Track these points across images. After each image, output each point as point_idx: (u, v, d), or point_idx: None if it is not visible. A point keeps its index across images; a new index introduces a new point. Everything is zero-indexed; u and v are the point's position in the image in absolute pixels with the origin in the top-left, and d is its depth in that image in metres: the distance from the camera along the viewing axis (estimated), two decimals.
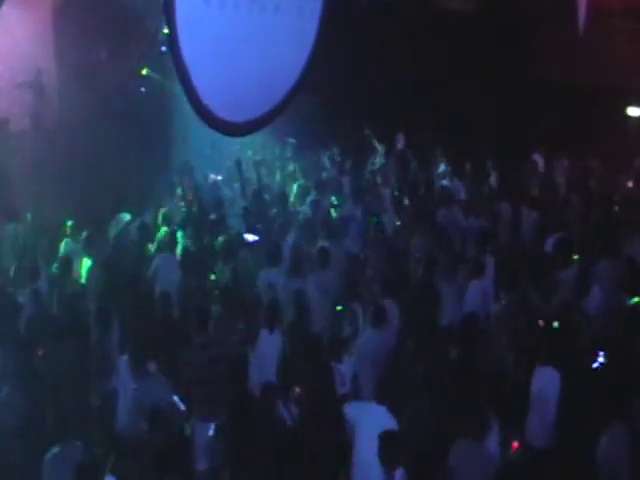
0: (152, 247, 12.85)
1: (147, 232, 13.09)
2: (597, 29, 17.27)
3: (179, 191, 15.21)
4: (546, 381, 9.04)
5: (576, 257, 12.00)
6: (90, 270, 12.01)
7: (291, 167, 17.03)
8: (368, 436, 7.89)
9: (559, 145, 16.86)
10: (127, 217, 13.75)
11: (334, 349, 9.62)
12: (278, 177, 16.87)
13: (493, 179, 16.18)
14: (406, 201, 14.76)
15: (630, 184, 16.13)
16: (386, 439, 7.55)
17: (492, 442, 8.08)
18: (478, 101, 17.85)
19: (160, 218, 13.56)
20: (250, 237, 12.87)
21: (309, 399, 8.95)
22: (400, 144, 18.49)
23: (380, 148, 17.58)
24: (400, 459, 7.49)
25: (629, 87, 17.71)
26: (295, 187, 15.47)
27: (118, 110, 17.10)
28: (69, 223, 13.29)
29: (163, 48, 16.40)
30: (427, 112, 18.14)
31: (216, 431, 8.72)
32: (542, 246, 12.79)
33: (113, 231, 13.49)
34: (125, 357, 9.43)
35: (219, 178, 16.50)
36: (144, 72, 17.49)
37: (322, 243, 12.35)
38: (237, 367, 9.22)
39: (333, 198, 15.03)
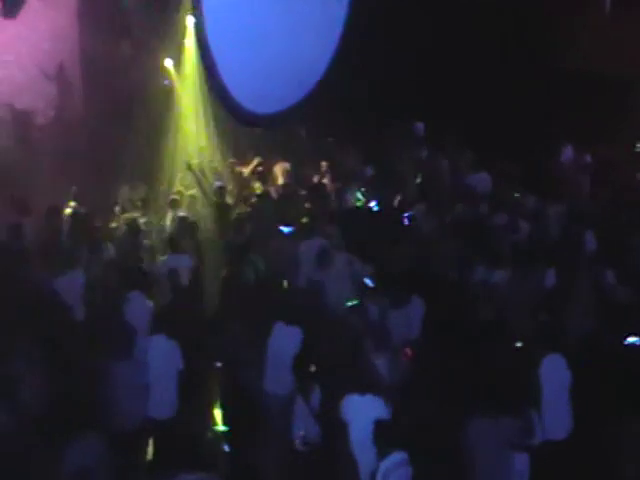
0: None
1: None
2: (625, 14, 16.75)
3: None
4: (554, 370, 9.06)
5: None
6: None
7: None
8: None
9: (584, 137, 16.66)
10: None
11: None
12: None
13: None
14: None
15: None
16: (380, 426, 7.60)
17: None
18: (499, 90, 17.68)
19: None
20: (285, 229, 12.87)
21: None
22: (420, 133, 18.35)
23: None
24: (395, 444, 7.52)
25: None
26: None
27: (141, 104, 17.11)
28: None
29: (188, 41, 16.37)
30: (446, 101, 17.94)
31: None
32: (571, 240, 12.78)
33: None
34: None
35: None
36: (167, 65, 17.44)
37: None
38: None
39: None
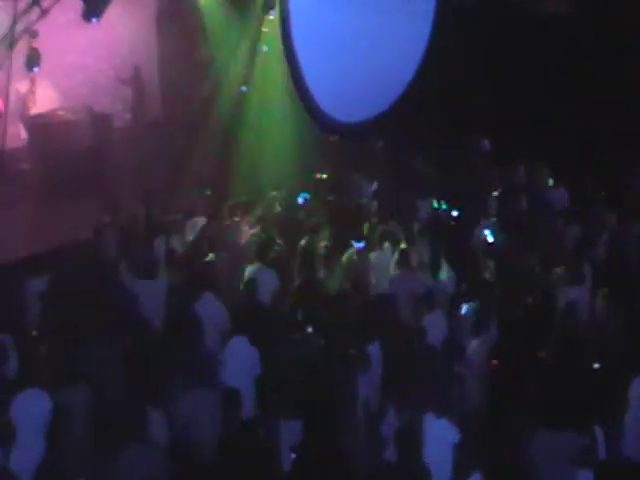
0: None
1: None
2: None
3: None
4: None
5: None
6: None
7: None
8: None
9: None
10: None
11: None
12: None
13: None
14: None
15: None
16: (461, 452, 7.51)
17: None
18: (579, 105, 17.46)
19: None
20: (357, 244, 12.86)
21: None
22: (486, 149, 18.19)
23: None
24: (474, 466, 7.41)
25: None
26: None
27: (216, 109, 17.25)
28: None
29: (265, 48, 16.46)
30: (526, 116, 17.79)
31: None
32: None
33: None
34: None
35: (324, 177, 16.46)
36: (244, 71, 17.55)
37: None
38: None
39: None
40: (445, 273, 11.84)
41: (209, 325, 10.06)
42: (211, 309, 10.50)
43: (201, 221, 13.96)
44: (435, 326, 10.31)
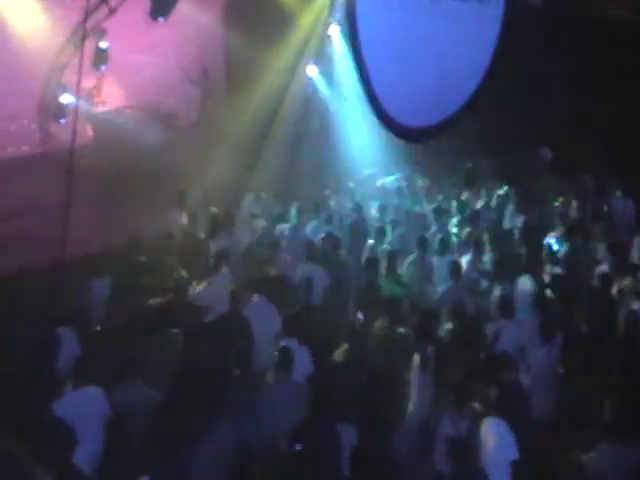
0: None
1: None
2: None
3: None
4: None
5: None
6: None
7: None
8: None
9: None
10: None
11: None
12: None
13: None
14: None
15: None
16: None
17: None
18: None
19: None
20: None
21: None
22: (547, 158, 18.01)
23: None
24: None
25: None
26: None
27: (282, 110, 17.29)
28: None
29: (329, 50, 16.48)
30: (593, 126, 17.57)
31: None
32: None
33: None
34: None
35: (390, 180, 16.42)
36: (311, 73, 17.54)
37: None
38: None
39: None
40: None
41: (260, 327, 10.05)
42: (262, 311, 10.50)
43: (261, 222, 14.07)
44: (507, 334, 10.24)
